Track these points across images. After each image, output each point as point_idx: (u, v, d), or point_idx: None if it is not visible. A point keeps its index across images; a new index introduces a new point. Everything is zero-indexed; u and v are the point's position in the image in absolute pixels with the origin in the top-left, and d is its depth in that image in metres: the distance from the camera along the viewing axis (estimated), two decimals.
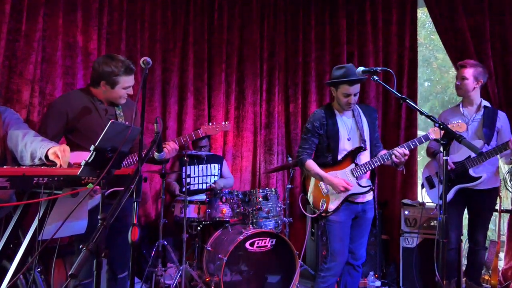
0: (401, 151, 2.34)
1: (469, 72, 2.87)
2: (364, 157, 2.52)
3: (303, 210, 2.85)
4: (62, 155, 1.67)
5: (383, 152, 2.51)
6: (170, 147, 2.20)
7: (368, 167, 2.45)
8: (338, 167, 2.50)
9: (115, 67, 2.09)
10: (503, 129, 2.92)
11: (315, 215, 2.52)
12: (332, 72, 2.52)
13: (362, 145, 2.48)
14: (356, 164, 2.47)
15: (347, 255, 2.50)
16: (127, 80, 2.15)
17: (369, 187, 2.49)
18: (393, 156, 2.36)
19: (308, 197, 2.59)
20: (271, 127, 4.31)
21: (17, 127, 1.90)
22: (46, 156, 1.71)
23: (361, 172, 2.45)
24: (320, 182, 2.52)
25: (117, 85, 2.13)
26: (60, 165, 1.64)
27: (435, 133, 2.38)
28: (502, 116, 2.94)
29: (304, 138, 2.58)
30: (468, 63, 2.91)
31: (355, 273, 2.56)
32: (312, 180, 2.57)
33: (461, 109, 2.98)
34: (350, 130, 2.52)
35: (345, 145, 2.51)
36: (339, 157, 2.50)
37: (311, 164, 2.54)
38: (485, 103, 2.97)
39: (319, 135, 2.54)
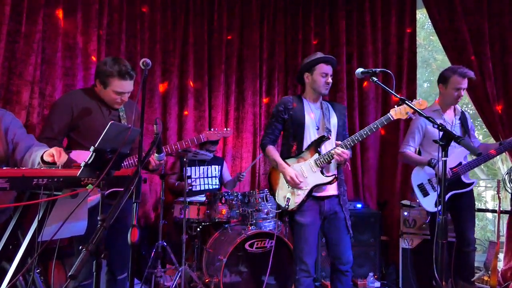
0: (339, 151, 2.27)
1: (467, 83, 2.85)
2: (329, 148, 2.41)
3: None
4: (57, 152, 1.68)
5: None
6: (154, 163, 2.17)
7: (330, 156, 2.32)
8: (302, 158, 2.41)
9: (110, 68, 2.10)
10: (472, 129, 2.97)
11: (279, 210, 2.44)
12: (303, 61, 2.51)
13: (325, 134, 2.40)
14: (320, 154, 2.38)
15: (315, 256, 2.42)
16: (120, 85, 2.12)
17: (332, 176, 2.36)
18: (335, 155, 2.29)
19: (275, 192, 2.50)
20: None
21: (28, 142, 1.91)
22: (42, 159, 1.73)
23: (325, 161, 2.34)
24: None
25: (108, 86, 2.12)
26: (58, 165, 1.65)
27: (395, 114, 2.26)
28: (468, 116, 2.99)
29: (268, 123, 2.54)
30: (470, 73, 2.83)
31: (345, 278, 2.43)
32: (278, 175, 2.48)
33: (441, 114, 2.91)
34: (318, 120, 2.46)
35: (312, 135, 2.43)
36: (305, 147, 2.42)
37: (271, 150, 2.47)
38: (459, 107, 2.97)
39: (283, 120, 2.47)
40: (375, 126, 2.29)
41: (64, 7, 3.22)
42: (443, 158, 1.73)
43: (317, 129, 2.45)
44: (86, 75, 3.32)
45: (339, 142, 2.32)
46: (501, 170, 3.74)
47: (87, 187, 1.51)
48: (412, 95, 3.95)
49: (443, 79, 2.88)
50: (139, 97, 1.65)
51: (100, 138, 1.46)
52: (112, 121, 1.51)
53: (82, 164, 1.48)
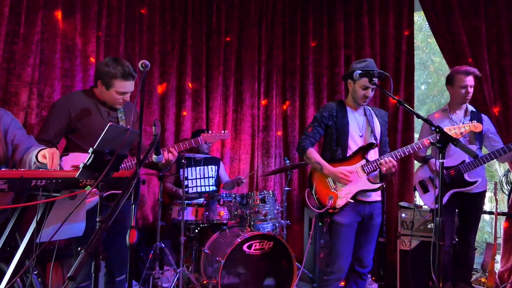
0: (391, 164, 2.30)
1: (473, 80, 2.91)
2: (375, 155, 2.46)
3: (310, 206, 2.68)
4: (50, 157, 1.68)
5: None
6: (167, 156, 2.19)
7: (379, 164, 2.36)
8: (348, 163, 2.42)
9: (113, 69, 2.10)
10: (490, 132, 2.97)
11: (322, 210, 2.43)
12: (353, 65, 2.50)
13: (374, 142, 2.43)
14: (367, 160, 2.40)
15: (350, 260, 2.42)
16: (123, 85, 2.13)
17: (379, 184, 2.41)
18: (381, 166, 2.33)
19: (313, 192, 2.50)
20: (268, 130, 4.32)
21: (28, 143, 1.91)
22: (37, 158, 1.74)
23: (372, 168, 2.38)
24: (328, 178, 2.45)
25: (111, 87, 2.13)
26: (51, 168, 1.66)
27: (452, 134, 2.25)
28: (486, 119, 3.00)
29: (310, 126, 2.53)
30: (472, 70, 2.91)
31: (361, 281, 2.47)
32: (319, 175, 2.49)
33: (449, 114, 3.00)
34: (362, 127, 2.48)
35: (357, 141, 2.46)
36: (349, 153, 2.44)
37: (312, 152, 2.47)
38: (471, 107, 3.01)
39: (327, 126, 2.49)
40: (430, 140, 2.33)
41: (63, 8, 3.23)
42: (440, 160, 1.74)
43: (361, 136, 2.47)
44: (84, 76, 3.32)
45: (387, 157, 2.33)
46: (498, 172, 3.76)
47: (85, 189, 1.51)
48: (409, 97, 3.97)
49: (449, 80, 2.98)
50: (138, 98, 1.65)
51: (99, 140, 1.46)
52: (110, 123, 1.52)
53: (81, 165, 1.48)
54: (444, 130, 2.17)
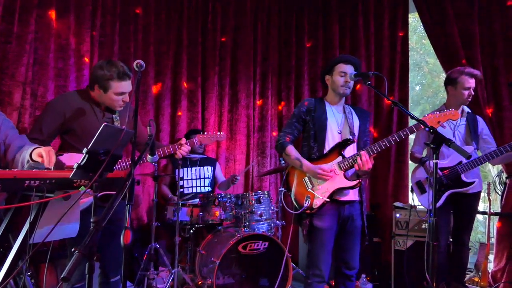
0: (364, 158, 2.19)
1: (475, 82, 2.90)
2: (352, 152, 2.37)
3: (286, 208, 2.62)
4: (47, 155, 1.67)
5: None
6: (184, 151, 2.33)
7: (355, 160, 2.27)
8: (325, 160, 2.34)
9: (108, 71, 2.09)
10: (484, 133, 2.99)
11: (299, 211, 2.36)
12: (325, 65, 2.50)
13: (350, 137, 2.35)
14: (344, 157, 2.32)
15: (331, 262, 2.37)
16: (120, 86, 2.12)
17: (356, 181, 2.31)
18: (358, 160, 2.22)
19: (291, 193, 2.43)
20: (264, 130, 4.33)
21: (20, 142, 1.89)
22: (31, 157, 1.73)
23: (348, 165, 2.29)
24: (305, 177, 2.38)
25: (109, 89, 2.11)
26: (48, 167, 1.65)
27: (428, 121, 2.17)
28: (481, 121, 3.03)
29: (288, 123, 2.47)
30: (477, 74, 2.90)
31: (350, 283, 2.42)
32: (296, 175, 2.43)
33: None
34: (340, 123, 2.42)
35: (335, 138, 2.38)
36: (327, 150, 2.37)
37: (291, 149, 2.39)
38: (466, 108, 3.03)
39: (304, 122, 2.42)
40: (404, 133, 2.24)
41: (57, 7, 3.21)
42: (434, 161, 1.75)
43: (339, 133, 2.40)
44: (78, 76, 3.31)
45: (364, 152, 2.24)
46: (491, 172, 3.80)
47: (79, 189, 1.50)
48: (404, 98, 3.99)
49: (451, 80, 2.92)
50: (133, 98, 1.64)
51: (93, 140, 1.46)
52: (105, 123, 1.51)
53: (75, 165, 1.47)
54: (421, 119, 2.08)
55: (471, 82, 2.87)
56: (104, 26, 3.51)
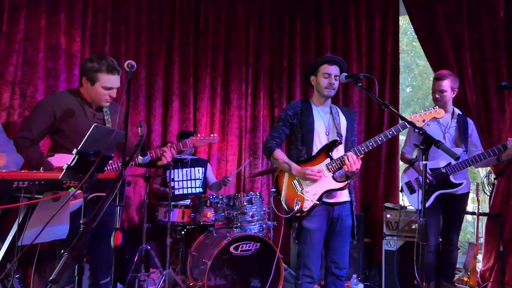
0: (351, 159, 2.18)
1: (447, 85, 2.91)
2: (340, 153, 2.35)
3: (275, 211, 2.59)
4: None
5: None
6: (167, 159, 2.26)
7: (343, 162, 2.25)
8: (313, 162, 2.32)
9: (97, 64, 2.07)
10: (473, 136, 3.03)
11: (289, 215, 2.34)
12: (310, 65, 2.47)
13: (337, 139, 2.34)
14: (331, 158, 2.30)
15: (320, 262, 2.37)
16: (108, 80, 2.10)
17: (345, 183, 2.30)
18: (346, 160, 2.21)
19: (281, 197, 2.41)
20: (256, 131, 4.33)
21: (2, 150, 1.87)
22: None
23: (337, 167, 2.28)
24: (294, 181, 2.36)
25: (96, 82, 2.09)
26: None
27: (413, 120, 2.15)
28: (471, 123, 3.06)
29: (275, 126, 2.43)
30: (445, 75, 2.93)
31: (340, 282, 2.41)
32: (285, 179, 2.40)
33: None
34: (328, 125, 2.40)
35: (323, 140, 2.36)
36: (314, 152, 2.35)
37: (279, 152, 2.37)
38: (457, 110, 3.06)
39: (292, 125, 2.40)
40: (391, 132, 2.22)
41: (46, 6, 3.17)
42: (423, 162, 1.77)
43: (327, 134, 2.38)
44: (69, 76, 3.27)
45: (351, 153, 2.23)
46: (479, 173, 3.85)
47: (69, 190, 1.49)
48: (394, 100, 4.03)
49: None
50: (124, 99, 1.63)
51: (83, 141, 1.45)
52: (95, 124, 1.50)
53: (65, 166, 1.46)
54: (406, 118, 2.08)
55: (439, 85, 2.91)
56: (95, 26, 3.48)
